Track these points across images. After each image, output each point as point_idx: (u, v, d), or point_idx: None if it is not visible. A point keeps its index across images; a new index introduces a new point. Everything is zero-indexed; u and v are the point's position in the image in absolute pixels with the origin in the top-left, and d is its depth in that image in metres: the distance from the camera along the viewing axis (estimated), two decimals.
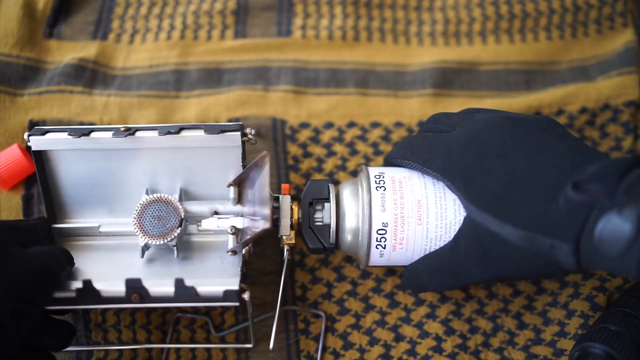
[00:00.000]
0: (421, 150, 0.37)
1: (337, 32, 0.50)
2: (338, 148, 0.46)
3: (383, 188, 0.37)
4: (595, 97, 0.47)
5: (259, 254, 0.43)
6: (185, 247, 0.40)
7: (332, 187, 0.39)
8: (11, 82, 0.47)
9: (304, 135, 0.47)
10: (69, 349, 0.39)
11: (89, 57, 0.49)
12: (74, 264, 0.37)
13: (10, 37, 0.48)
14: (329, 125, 0.47)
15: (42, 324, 0.35)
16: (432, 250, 0.37)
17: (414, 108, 0.48)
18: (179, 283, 0.34)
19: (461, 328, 0.41)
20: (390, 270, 0.43)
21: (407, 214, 0.36)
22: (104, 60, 0.49)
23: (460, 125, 0.37)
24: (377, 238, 0.36)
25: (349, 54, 0.50)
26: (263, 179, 0.36)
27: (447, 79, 0.48)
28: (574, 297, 0.41)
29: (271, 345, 0.36)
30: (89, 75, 0.48)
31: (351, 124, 0.47)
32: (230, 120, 0.47)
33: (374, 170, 0.38)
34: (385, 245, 0.37)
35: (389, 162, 0.40)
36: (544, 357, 0.40)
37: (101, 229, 0.40)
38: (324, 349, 0.41)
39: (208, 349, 0.41)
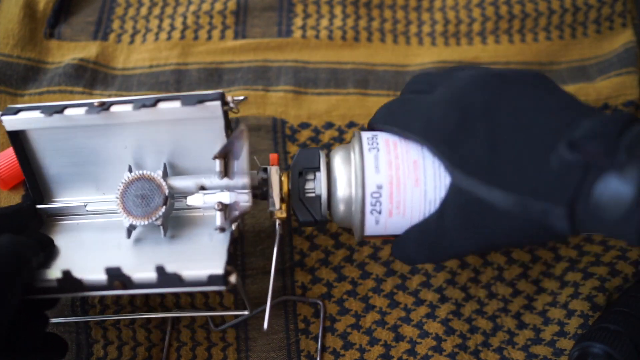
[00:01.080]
0: (401, 113, 0.34)
1: (337, 32, 0.50)
2: None
3: (376, 149, 0.34)
4: (595, 97, 0.47)
5: (259, 254, 0.43)
6: (174, 224, 0.38)
7: (322, 155, 0.36)
8: (12, 82, 0.48)
9: (304, 135, 0.47)
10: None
11: (89, 57, 0.49)
12: (52, 248, 0.36)
13: (11, 38, 0.49)
14: (329, 125, 0.47)
15: (40, 339, 0.34)
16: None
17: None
18: (160, 270, 0.32)
19: (461, 328, 0.41)
20: (391, 270, 0.43)
21: (402, 175, 0.34)
22: (105, 60, 0.49)
23: (442, 84, 0.34)
24: (371, 202, 0.34)
25: (349, 54, 0.50)
26: (243, 157, 0.33)
27: None
28: (573, 296, 0.41)
29: (265, 325, 0.34)
30: (90, 76, 0.48)
31: (351, 124, 0.47)
32: (230, 120, 0.47)
33: (366, 134, 0.36)
34: (380, 210, 0.34)
35: (371, 129, 0.37)
36: (543, 357, 0.40)
37: (88, 208, 0.39)
38: (324, 348, 0.41)
39: (208, 349, 0.41)
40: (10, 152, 0.43)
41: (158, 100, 0.35)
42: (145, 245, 0.37)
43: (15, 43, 0.49)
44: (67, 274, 0.33)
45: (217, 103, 0.35)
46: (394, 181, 0.34)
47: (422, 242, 0.34)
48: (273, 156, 0.37)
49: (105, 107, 0.35)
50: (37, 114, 0.36)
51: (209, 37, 0.50)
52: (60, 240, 0.37)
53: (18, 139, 0.37)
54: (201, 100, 0.35)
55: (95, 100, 0.36)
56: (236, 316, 0.41)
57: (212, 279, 0.32)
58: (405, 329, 0.41)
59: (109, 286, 0.33)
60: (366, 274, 0.43)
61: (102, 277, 0.33)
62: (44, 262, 0.35)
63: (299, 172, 0.36)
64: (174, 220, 0.39)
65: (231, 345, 0.41)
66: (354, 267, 0.43)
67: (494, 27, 0.51)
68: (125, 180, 0.37)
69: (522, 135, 0.29)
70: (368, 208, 0.34)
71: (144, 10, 0.52)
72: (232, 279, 0.33)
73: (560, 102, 0.30)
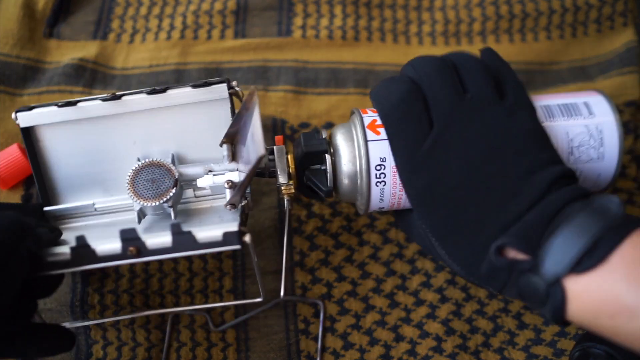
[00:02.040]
0: (396, 129, 0.35)
1: (337, 32, 0.50)
2: None
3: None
4: None
5: (259, 254, 0.43)
6: (183, 214, 0.39)
7: (324, 133, 0.38)
8: (11, 82, 0.47)
9: None
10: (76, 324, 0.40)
11: (88, 57, 0.49)
12: (59, 231, 0.36)
13: (10, 37, 0.48)
14: (330, 125, 0.47)
15: (37, 332, 0.34)
16: None
17: None
18: (176, 228, 0.32)
19: (461, 328, 0.41)
20: (391, 270, 0.43)
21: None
22: (104, 60, 0.49)
23: (440, 119, 0.34)
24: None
25: (349, 54, 0.50)
26: (254, 118, 0.33)
27: None
28: None
29: (281, 294, 0.37)
30: (89, 75, 0.48)
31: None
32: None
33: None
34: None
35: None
36: (544, 357, 0.40)
37: (97, 207, 0.39)
38: (324, 349, 0.41)
39: (208, 349, 0.41)
40: (10, 151, 0.43)
41: (168, 87, 0.38)
42: (155, 231, 0.37)
43: (14, 43, 0.48)
44: (81, 239, 0.33)
45: (223, 85, 0.38)
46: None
47: (414, 229, 0.37)
48: (278, 138, 0.39)
49: (117, 97, 0.37)
50: (51, 108, 0.37)
51: (209, 37, 0.50)
52: (69, 238, 0.37)
53: (30, 138, 0.38)
54: (209, 83, 0.37)
55: (108, 94, 0.37)
56: (242, 311, 0.41)
57: (226, 237, 0.33)
58: (405, 329, 0.41)
59: (122, 255, 0.33)
60: (366, 274, 0.43)
61: (116, 245, 0.33)
62: (54, 240, 0.35)
63: (304, 152, 0.37)
64: (182, 211, 0.39)
65: (231, 345, 0.41)
66: (354, 267, 0.43)
67: (494, 26, 0.51)
68: (136, 167, 0.38)
69: (481, 218, 0.32)
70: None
71: (143, 10, 0.51)
72: (247, 238, 0.33)
73: (527, 183, 0.32)
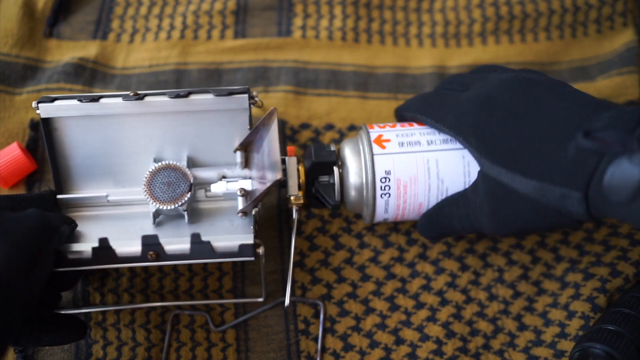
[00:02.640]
0: (434, 106, 0.38)
1: (337, 33, 0.50)
2: None
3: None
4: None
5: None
6: (194, 214, 0.40)
7: (333, 147, 0.40)
8: (10, 81, 0.47)
9: (305, 136, 0.47)
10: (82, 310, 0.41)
11: (88, 56, 0.49)
12: (74, 224, 0.37)
13: (10, 37, 0.48)
14: (330, 127, 0.47)
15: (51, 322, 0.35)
16: (440, 197, 0.38)
17: None
18: (195, 238, 0.34)
19: (462, 331, 0.41)
20: (391, 274, 0.43)
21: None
22: (104, 60, 0.49)
23: (474, 84, 0.37)
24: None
25: (349, 55, 0.50)
26: (272, 137, 0.36)
27: None
28: (574, 298, 0.41)
29: (287, 302, 0.37)
30: (89, 75, 0.48)
31: (352, 127, 0.47)
32: None
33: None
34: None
35: (400, 115, 0.41)
36: (544, 359, 0.40)
37: (109, 198, 0.40)
38: (324, 349, 0.41)
39: (208, 349, 0.41)
40: (9, 150, 0.43)
41: (190, 92, 0.38)
42: (169, 230, 0.39)
43: (14, 42, 0.48)
44: (103, 241, 0.34)
45: (245, 96, 0.38)
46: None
47: (452, 218, 0.37)
48: (290, 148, 0.41)
49: (140, 97, 0.38)
50: (73, 102, 0.38)
51: (209, 37, 0.50)
52: (81, 228, 0.39)
53: (49, 127, 0.39)
54: (231, 92, 0.38)
55: (130, 92, 0.38)
56: (242, 312, 0.41)
57: (242, 249, 0.35)
58: (405, 332, 0.41)
59: (142, 257, 0.34)
60: (366, 276, 0.43)
61: (136, 247, 0.34)
62: (70, 235, 0.36)
63: (313, 163, 0.39)
64: (193, 211, 0.40)
65: (231, 345, 0.41)
66: (354, 269, 0.43)
67: (494, 27, 0.51)
68: (152, 169, 0.39)
69: (544, 128, 0.32)
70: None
71: (143, 10, 0.51)
72: (260, 250, 0.36)
73: (582, 97, 0.33)
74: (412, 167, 0.38)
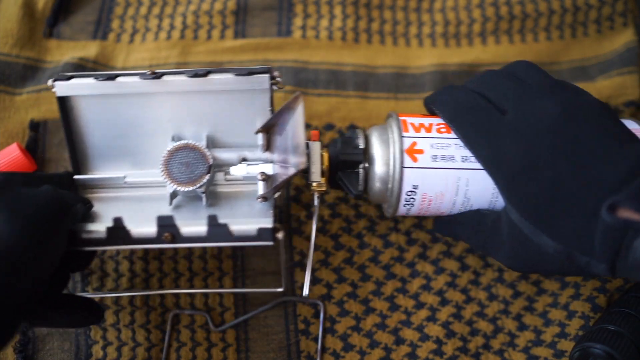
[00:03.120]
0: (468, 125, 0.36)
1: (337, 33, 0.50)
2: None
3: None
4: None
5: (259, 254, 0.43)
6: (212, 197, 0.39)
7: (361, 135, 0.39)
8: (10, 81, 0.47)
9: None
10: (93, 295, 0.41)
11: (88, 56, 0.49)
12: (90, 204, 0.37)
13: (10, 37, 0.48)
14: (330, 126, 0.47)
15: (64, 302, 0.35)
16: (462, 210, 0.38)
17: (414, 111, 0.47)
18: (212, 220, 0.33)
19: (462, 330, 0.41)
20: (391, 274, 0.43)
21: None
22: (104, 60, 0.49)
23: (513, 105, 0.35)
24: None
25: (349, 56, 0.50)
26: (296, 121, 0.34)
27: (447, 81, 0.48)
28: (574, 298, 0.41)
29: (306, 291, 0.36)
30: None
31: (352, 127, 0.47)
32: None
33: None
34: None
35: (429, 109, 0.39)
36: (544, 359, 0.40)
37: (127, 180, 0.39)
38: (324, 349, 0.41)
39: (208, 349, 0.41)
40: (9, 151, 0.43)
41: (209, 71, 0.37)
42: (186, 212, 0.38)
43: (14, 42, 0.48)
44: (118, 221, 0.33)
45: (266, 76, 0.37)
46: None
47: (475, 232, 0.37)
48: (314, 132, 0.39)
49: (157, 75, 0.37)
50: (89, 80, 0.37)
51: (209, 37, 0.50)
52: (97, 209, 0.38)
53: (65, 106, 0.38)
54: (252, 72, 0.37)
55: (148, 70, 0.37)
56: (242, 311, 0.41)
57: (261, 233, 0.34)
58: (405, 332, 0.41)
59: (157, 239, 0.34)
60: (366, 276, 0.43)
61: (152, 229, 0.34)
62: (85, 215, 0.36)
63: (341, 160, 0.38)
64: (212, 194, 0.39)
65: (231, 345, 0.41)
66: (354, 270, 0.43)
67: (494, 27, 0.51)
68: (171, 148, 0.38)
69: (579, 189, 0.32)
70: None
71: (143, 10, 0.51)
72: (280, 235, 0.34)
73: (620, 152, 0.32)
74: (442, 184, 0.36)
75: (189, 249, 0.43)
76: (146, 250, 0.43)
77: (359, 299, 0.42)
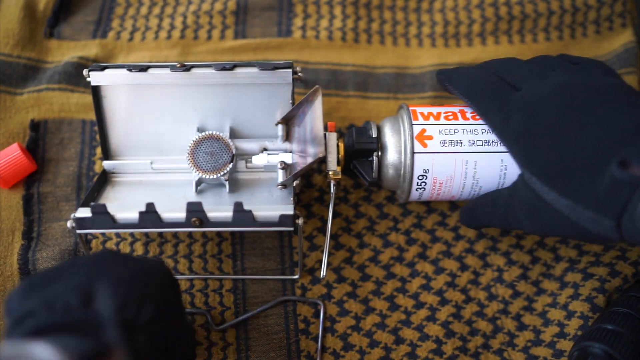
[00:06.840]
0: (483, 98, 0.38)
1: (337, 33, 0.50)
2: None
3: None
4: None
5: (258, 253, 0.43)
6: (234, 184, 0.42)
7: (374, 126, 0.41)
8: (11, 81, 0.47)
9: None
10: None
11: (89, 56, 0.49)
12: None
13: (11, 38, 0.49)
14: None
15: None
16: (472, 194, 0.40)
17: None
18: (238, 206, 0.36)
19: (461, 330, 0.41)
20: (390, 274, 0.43)
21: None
22: (104, 59, 0.49)
23: (527, 82, 0.37)
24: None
25: (349, 56, 0.50)
26: (315, 113, 0.37)
27: None
28: (573, 298, 0.41)
29: (323, 272, 0.38)
30: None
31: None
32: None
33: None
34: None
35: (443, 84, 0.41)
36: (543, 358, 0.40)
37: (153, 166, 0.42)
38: (324, 349, 0.41)
39: (208, 348, 0.41)
40: (10, 151, 0.43)
41: (235, 65, 0.40)
42: (210, 198, 0.41)
43: (15, 43, 0.48)
44: (150, 206, 0.35)
45: (289, 70, 0.40)
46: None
47: (492, 215, 0.38)
48: (331, 124, 0.41)
49: (187, 68, 0.39)
50: (122, 71, 0.40)
51: (209, 37, 0.50)
52: (126, 193, 0.41)
53: (98, 95, 0.41)
54: (276, 67, 0.39)
55: (177, 62, 0.40)
56: (242, 311, 0.41)
57: (282, 219, 0.36)
58: (405, 332, 0.41)
59: (186, 223, 0.36)
60: (366, 276, 0.43)
61: (181, 214, 0.36)
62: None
63: (355, 148, 0.40)
64: (233, 181, 0.42)
65: (231, 345, 0.41)
66: (353, 269, 0.43)
67: (493, 28, 0.51)
68: (196, 138, 0.41)
69: (584, 148, 0.32)
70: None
71: (144, 10, 0.51)
72: (300, 221, 0.37)
73: (628, 119, 0.32)
74: (451, 167, 0.39)
75: (189, 249, 0.43)
76: (147, 248, 0.43)
77: (358, 299, 0.42)
